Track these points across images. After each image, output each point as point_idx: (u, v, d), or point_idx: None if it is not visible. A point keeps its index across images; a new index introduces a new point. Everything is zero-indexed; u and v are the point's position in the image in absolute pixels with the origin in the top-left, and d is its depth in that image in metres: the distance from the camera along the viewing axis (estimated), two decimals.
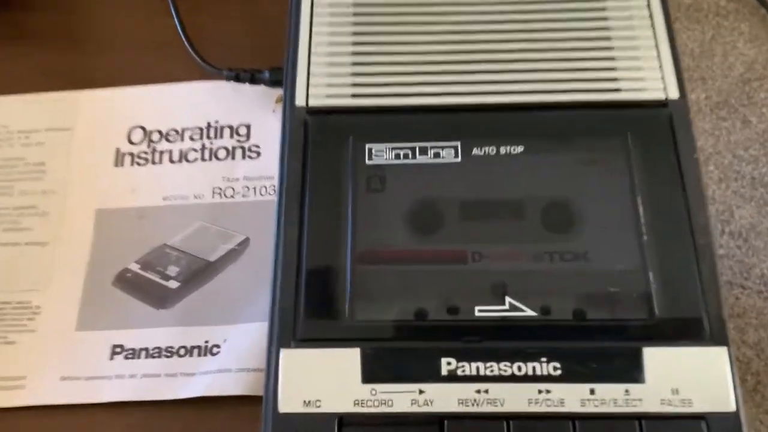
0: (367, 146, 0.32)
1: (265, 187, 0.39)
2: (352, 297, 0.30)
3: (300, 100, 0.33)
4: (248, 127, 0.41)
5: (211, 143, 0.40)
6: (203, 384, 0.34)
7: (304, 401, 0.28)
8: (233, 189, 0.39)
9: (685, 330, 0.29)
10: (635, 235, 0.31)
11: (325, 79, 0.34)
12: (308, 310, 0.29)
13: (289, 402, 0.28)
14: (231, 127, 0.41)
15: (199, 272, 0.37)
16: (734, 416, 0.27)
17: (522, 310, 0.29)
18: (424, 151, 0.32)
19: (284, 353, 0.29)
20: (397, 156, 0.32)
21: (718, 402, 0.28)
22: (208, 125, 0.41)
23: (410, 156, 0.32)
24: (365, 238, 0.31)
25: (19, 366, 0.35)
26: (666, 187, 0.31)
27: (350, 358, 0.29)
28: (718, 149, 1.50)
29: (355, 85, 0.33)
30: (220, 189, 0.39)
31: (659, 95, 0.33)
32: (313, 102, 0.33)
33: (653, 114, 0.33)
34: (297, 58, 0.34)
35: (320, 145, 0.32)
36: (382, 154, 0.32)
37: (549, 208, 0.32)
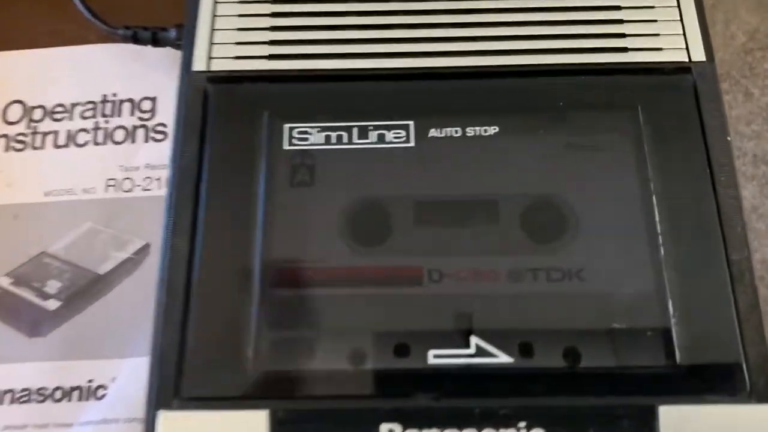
0: (287, 126, 0.24)
1: None
2: (259, 336, 0.22)
3: (199, 64, 0.25)
4: (153, 101, 0.32)
5: (107, 122, 0.32)
6: None
7: None
8: (132, 181, 0.31)
9: (716, 381, 0.21)
10: (648, 248, 0.22)
11: (234, 35, 0.25)
12: (198, 355, 0.21)
13: None
14: (132, 102, 0.32)
15: (86, 288, 0.29)
16: None
17: (493, 355, 0.21)
18: (364, 132, 0.24)
19: (163, 417, 0.21)
20: (328, 139, 0.24)
21: None
22: (104, 99, 0.32)
23: (345, 139, 0.24)
24: (282, 251, 0.23)
25: None
26: (689, 179, 0.23)
27: (254, 423, 0.21)
28: None
29: (273, 42, 0.25)
30: (116, 181, 0.31)
31: (680, 56, 0.25)
32: (217, 65, 0.25)
33: (672, 81, 0.24)
34: (198, 8, 0.26)
35: (224, 123, 0.24)
36: (307, 136, 0.24)
37: (532, 209, 0.24)
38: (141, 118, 0.32)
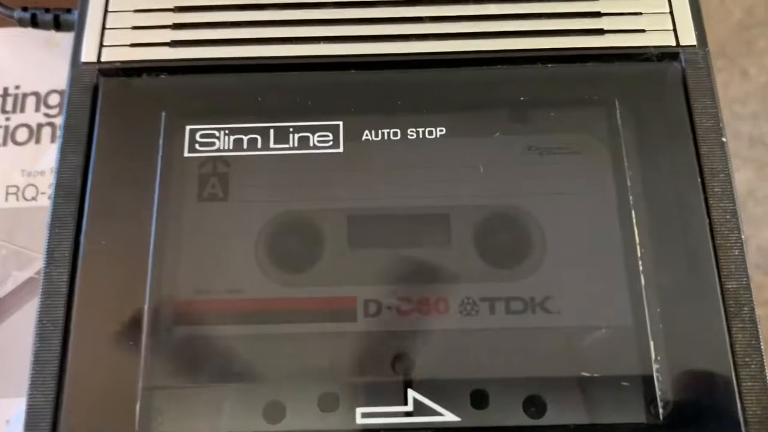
0: (189, 127, 0.20)
1: None
2: (150, 390, 0.18)
3: (89, 53, 0.21)
4: (62, 94, 0.28)
5: (8, 120, 0.28)
6: None
7: None
8: (36, 188, 0.27)
9: None
10: (626, 275, 0.19)
11: (129, 18, 0.21)
12: (72, 416, 0.17)
13: None
14: (37, 95, 0.28)
15: None
16: None
17: (436, 413, 0.17)
18: (283, 135, 0.20)
19: None
20: (239, 144, 0.20)
21: None
22: (5, 93, 0.28)
23: (260, 144, 0.20)
24: (182, 281, 0.19)
25: None
26: (675, 188, 0.19)
27: None
28: None
29: (175, 26, 0.21)
30: (18, 188, 0.27)
31: (666, 40, 0.21)
32: (110, 55, 0.21)
33: (657, 70, 0.20)
34: None
35: (115, 125, 0.20)
36: (213, 140, 0.20)
37: (488, 225, 0.20)
38: (47, 115, 0.28)
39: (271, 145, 0.20)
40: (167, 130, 0.20)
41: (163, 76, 0.20)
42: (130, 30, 0.21)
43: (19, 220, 0.27)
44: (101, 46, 0.21)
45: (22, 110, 0.28)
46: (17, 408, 0.24)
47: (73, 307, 0.18)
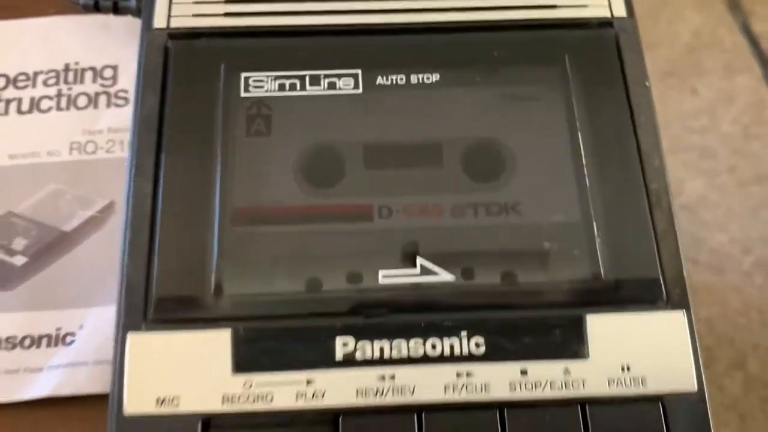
0: (243, 75, 0.26)
1: None
2: (221, 264, 0.23)
3: (160, 21, 0.26)
4: (115, 68, 0.34)
5: (70, 89, 0.33)
6: (52, 381, 0.27)
7: (158, 399, 0.22)
8: (95, 144, 0.32)
9: (636, 292, 0.23)
10: (576, 182, 0.25)
11: None
12: (163, 282, 0.23)
13: (137, 401, 0.22)
14: (94, 70, 0.34)
15: (52, 245, 0.30)
16: (697, 397, 0.22)
17: (436, 274, 0.23)
18: (315, 80, 0.26)
19: (132, 338, 0.22)
20: (282, 87, 0.26)
21: (678, 379, 0.22)
22: (66, 68, 0.34)
23: (298, 86, 0.26)
24: (241, 192, 0.25)
25: None
26: (613, 122, 0.26)
27: (218, 342, 0.22)
28: (667, 120, 1.46)
29: (227, 1, 0.27)
30: (80, 144, 0.32)
31: (603, 12, 0.27)
32: (177, 22, 0.26)
33: (596, 34, 0.27)
34: None
35: (184, 75, 0.26)
36: (262, 84, 0.26)
37: (472, 150, 0.26)
38: (103, 85, 0.33)
39: (307, 87, 0.26)
40: (226, 78, 0.25)
41: (219, 39, 0.26)
42: (192, 4, 0.27)
43: (81, 170, 0.32)
44: (169, 16, 0.27)
45: (82, 81, 0.34)
46: (88, 316, 0.29)
47: (157, 208, 0.24)
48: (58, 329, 0.29)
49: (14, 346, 0.28)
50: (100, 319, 0.29)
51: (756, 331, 1.05)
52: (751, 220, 1.08)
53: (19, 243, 0.30)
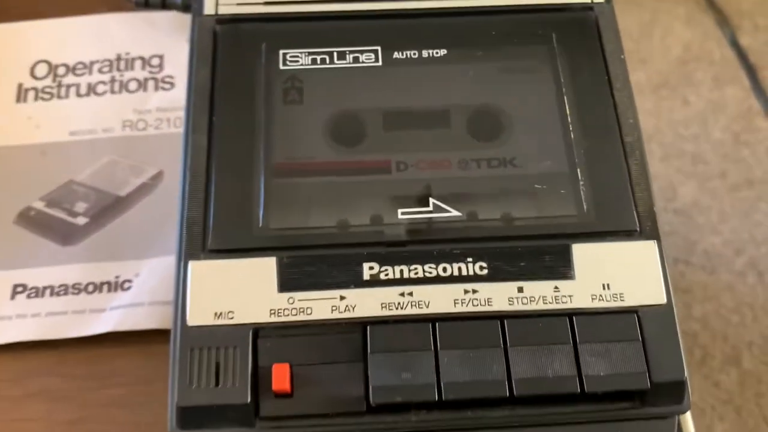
0: (281, 52, 0.30)
1: (180, 119, 0.37)
2: (266, 206, 0.28)
3: (209, 8, 0.31)
4: (161, 57, 0.38)
5: (122, 75, 0.38)
6: (114, 319, 0.32)
7: (216, 313, 0.26)
8: (145, 121, 0.37)
9: (614, 225, 0.28)
10: (563, 138, 0.29)
11: None
12: (219, 219, 0.27)
13: (198, 315, 0.26)
14: (142, 59, 0.38)
15: (109, 208, 0.35)
16: (666, 308, 0.26)
17: (447, 211, 0.28)
18: (342, 55, 0.30)
19: (193, 265, 0.27)
20: (314, 61, 0.30)
21: (649, 295, 0.26)
22: (118, 57, 0.38)
23: (327, 61, 0.30)
24: (280, 149, 0.29)
25: None
26: (593, 88, 0.30)
27: (265, 267, 0.27)
28: (659, 128, 1.51)
29: None
30: (131, 122, 0.37)
31: None
32: (223, 9, 0.31)
33: (579, 16, 0.32)
34: None
35: (231, 53, 0.30)
36: (297, 59, 0.30)
37: (475, 114, 0.30)
38: (151, 72, 0.38)
39: (335, 61, 0.30)
40: (267, 55, 0.30)
41: (260, 23, 0.31)
42: None
43: (132, 144, 0.37)
44: (217, 4, 0.31)
45: (132, 69, 0.38)
46: (143, 266, 0.34)
47: (212, 159, 0.28)
48: (117, 277, 0.33)
49: (80, 292, 0.33)
50: (152, 269, 0.33)
51: (750, 327, 1.09)
52: (742, 222, 1.13)
53: (80, 206, 0.35)
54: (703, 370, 1.09)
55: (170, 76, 0.38)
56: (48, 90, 0.38)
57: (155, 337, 0.32)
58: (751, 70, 1.25)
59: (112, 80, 0.38)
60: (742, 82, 1.23)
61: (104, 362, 0.32)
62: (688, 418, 0.30)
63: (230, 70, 0.30)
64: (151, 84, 0.38)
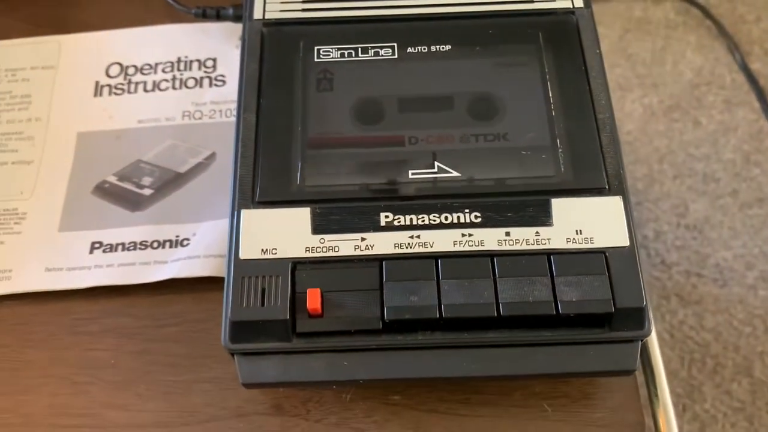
0: (316, 48, 0.37)
1: (230, 110, 0.44)
2: (303, 169, 0.34)
3: (257, 14, 0.38)
4: (214, 60, 0.45)
5: (181, 74, 0.45)
6: (174, 269, 0.38)
7: (262, 249, 0.32)
8: (201, 112, 0.44)
9: (587, 184, 0.34)
10: (546, 116, 0.36)
11: None
12: (265, 178, 0.34)
13: (249, 250, 0.32)
14: (199, 61, 0.45)
15: (170, 182, 0.42)
16: (629, 250, 0.32)
17: (449, 172, 0.34)
18: (365, 50, 0.37)
19: (244, 212, 0.33)
20: (342, 55, 0.37)
21: (615, 239, 0.32)
22: (179, 60, 0.46)
23: (353, 55, 0.37)
24: (314, 126, 0.36)
25: (5, 261, 0.39)
26: (572, 76, 0.36)
27: (301, 215, 0.33)
28: (671, 149, 1.56)
29: (305, 0, 0.39)
30: (189, 112, 0.44)
31: (567, 4, 0.38)
32: (270, 15, 0.38)
33: (562, 19, 0.38)
34: None
35: (275, 49, 0.37)
36: (329, 53, 0.37)
37: (474, 100, 0.37)
38: (206, 72, 0.45)
39: (359, 55, 0.37)
40: (304, 51, 0.37)
41: (299, 26, 0.38)
42: (279, 3, 0.39)
43: (190, 131, 0.43)
44: (264, 11, 0.38)
45: (189, 69, 0.45)
46: (198, 227, 0.40)
47: (259, 132, 0.35)
48: (177, 236, 0.40)
49: (146, 248, 0.39)
50: (205, 230, 0.40)
51: (762, 339, 1.12)
52: (753, 238, 1.17)
53: (146, 180, 0.42)
54: (715, 379, 1.12)
55: (222, 75, 0.45)
56: (120, 86, 0.45)
57: (206, 285, 0.38)
58: (761, 93, 1.30)
59: (174, 78, 0.45)
60: (753, 104, 1.28)
61: (164, 305, 0.38)
62: (655, 346, 0.35)
63: (274, 63, 0.37)
64: (206, 81, 0.45)
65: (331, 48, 0.37)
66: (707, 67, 1.42)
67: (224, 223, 0.39)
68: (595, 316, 0.31)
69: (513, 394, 0.36)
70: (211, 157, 0.42)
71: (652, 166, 1.26)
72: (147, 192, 0.41)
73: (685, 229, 1.21)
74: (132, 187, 0.42)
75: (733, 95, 1.32)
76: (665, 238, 1.20)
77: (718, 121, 1.29)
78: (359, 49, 0.37)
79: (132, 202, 0.41)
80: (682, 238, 1.23)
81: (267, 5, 0.39)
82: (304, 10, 0.38)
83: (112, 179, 0.42)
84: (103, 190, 0.41)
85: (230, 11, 0.44)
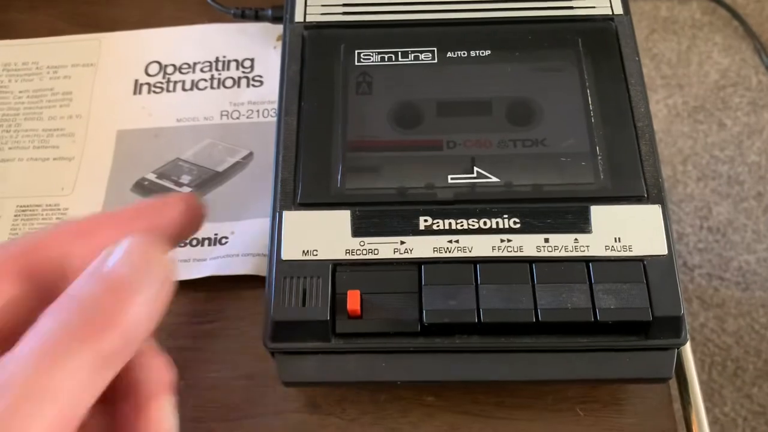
0: (356, 51, 0.38)
1: (267, 110, 0.44)
2: (343, 172, 0.35)
3: (299, 17, 0.39)
4: (252, 60, 0.46)
5: (220, 74, 0.46)
6: (213, 266, 0.39)
7: (304, 251, 0.33)
8: (239, 111, 0.44)
9: (626, 192, 0.34)
10: (585, 123, 0.36)
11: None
12: (306, 181, 0.34)
13: (290, 251, 0.33)
14: (237, 61, 0.46)
15: (209, 180, 0.42)
16: (667, 258, 0.32)
17: (488, 178, 0.34)
18: (405, 54, 0.38)
19: (286, 214, 0.34)
20: (382, 59, 0.37)
21: (654, 247, 0.32)
22: (217, 59, 0.46)
23: (393, 59, 0.38)
24: (354, 129, 0.36)
25: None
26: (611, 83, 0.37)
27: (342, 217, 0.33)
28: (696, 150, 1.56)
29: (345, 4, 0.39)
30: (227, 112, 0.44)
31: (606, 11, 0.38)
32: (310, 18, 0.39)
33: (601, 26, 0.38)
34: None
35: (316, 52, 0.38)
36: (369, 57, 0.38)
37: (512, 105, 0.37)
38: (244, 72, 0.46)
39: (399, 59, 0.37)
40: (344, 54, 0.37)
41: (339, 29, 0.38)
42: (320, 6, 0.39)
43: (228, 130, 0.44)
44: (305, 14, 0.39)
45: (228, 69, 0.46)
46: (237, 226, 0.41)
47: (301, 135, 0.35)
48: (216, 234, 0.40)
49: (185, 245, 0.40)
50: (244, 228, 0.40)
51: None
52: None
53: (185, 178, 0.42)
54: (736, 383, 1.12)
55: (260, 76, 0.45)
56: (159, 85, 0.46)
57: (244, 283, 0.39)
58: None
59: (212, 78, 0.46)
60: None
61: (204, 303, 0.39)
62: (688, 354, 0.36)
63: (315, 65, 0.37)
64: (243, 82, 0.45)
65: (372, 51, 0.38)
66: (733, 68, 1.41)
67: (262, 222, 0.40)
68: (633, 323, 0.32)
69: (546, 397, 0.36)
70: (249, 156, 0.43)
71: (676, 168, 1.25)
72: (185, 190, 0.42)
73: (708, 232, 1.21)
74: (171, 185, 0.42)
75: (759, 97, 1.31)
76: (687, 240, 1.19)
77: (743, 123, 1.28)
78: (399, 53, 0.38)
79: None
80: (705, 241, 1.22)
81: (308, 8, 0.39)
82: (344, 13, 0.39)
83: (152, 177, 0.43)
84: (143, 188, 0.42)
85: (269, 12, 0.45)
